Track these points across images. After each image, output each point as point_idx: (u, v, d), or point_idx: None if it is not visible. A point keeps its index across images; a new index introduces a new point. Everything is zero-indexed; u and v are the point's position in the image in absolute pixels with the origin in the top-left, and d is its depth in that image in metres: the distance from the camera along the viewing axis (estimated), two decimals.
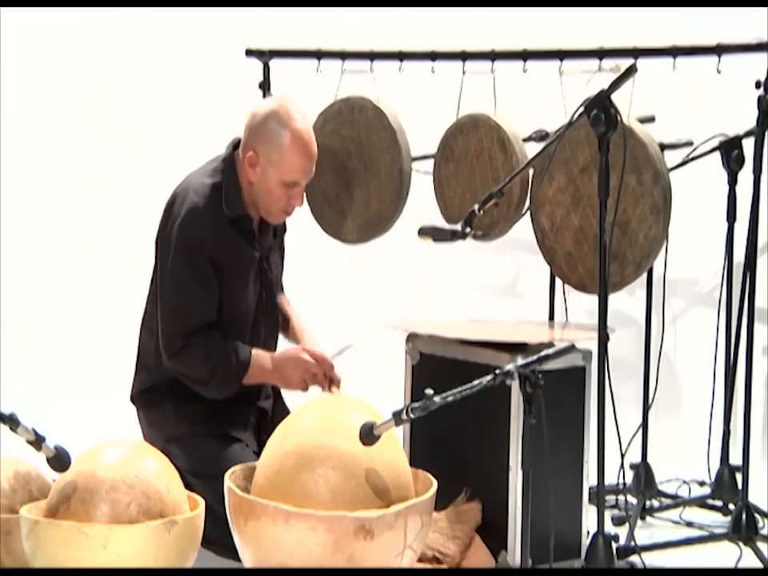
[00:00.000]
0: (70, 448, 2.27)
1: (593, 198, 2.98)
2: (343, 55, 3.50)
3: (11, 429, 2.11)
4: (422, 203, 3.48)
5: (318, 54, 3.53)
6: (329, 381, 2.75)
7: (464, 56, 3.34)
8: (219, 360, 2.68)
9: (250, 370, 2.71)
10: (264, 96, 3.58)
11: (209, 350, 2.68)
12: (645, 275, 3.21)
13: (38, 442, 2.16)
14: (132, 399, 2.87)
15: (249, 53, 3.61)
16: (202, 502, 2.36)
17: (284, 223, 2.97)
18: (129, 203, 4.48)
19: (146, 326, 2.83)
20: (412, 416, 2.20)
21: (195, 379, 2.70)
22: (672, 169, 3.13)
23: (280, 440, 2.37)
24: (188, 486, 2.62)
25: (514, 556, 2.71)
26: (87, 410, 3.92)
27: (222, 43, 4.25)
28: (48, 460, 2.20)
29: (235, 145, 2.78)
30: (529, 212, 3.18)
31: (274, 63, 3.60)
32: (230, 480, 2.38)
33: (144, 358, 2.84)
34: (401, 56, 3.44)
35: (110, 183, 4.56)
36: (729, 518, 3.11)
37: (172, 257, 2.69)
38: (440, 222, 2.90)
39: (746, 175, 3.02)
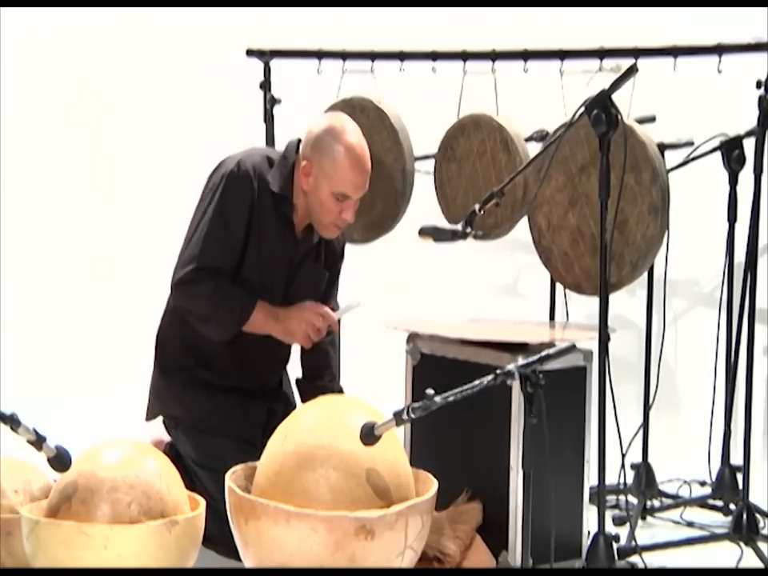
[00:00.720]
0: (70, 448, 2.26)
1: (591, 197, 2.98)
2: (344, 55, 3.50)
3: (12, 429, 2.11)
4: (422, 203, 3.48)
5: (319, 54, 3.54)
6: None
7: (465, 56, 3.34)
8: (223, 298, 2.69)
9: (254, 317, 2.72)
10: (265, 96, 3.59)
11: (215, 288, 2.69)
12: (645, 275, 3.21)
13: (38, 442, 2.15)
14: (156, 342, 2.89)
15: (249, 53, 3.61)
16: (202, 502, 2.36)
17: (340, 251, 2.94)
18: (129, 203, 4.48)
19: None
20: (413, 416, 2.20)
21: (197, 315, 2.72)
22: (672, 169, 3.13)
23: (281, 440, 2.37)
24: (192, 477, 2.63)
25: (514, 556, 2.71)
26: (89, 410, 3.92)
27: (223, 43, 4.25)
28: (49, 460, 2.20)
29: (299, 141, 2.81)
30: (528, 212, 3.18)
31: (274, 63, 3.60)
32: (231, 480, 2.38)
33: (167, 311, 2.87)
34: (402, 56, 3.44)
35: (110, 184, 4.56)
36: (730, 518, 3.11)
37: (209, 201, 2.73)
38: (441, 222, 2.90)
39: (746, 175, 3.01)
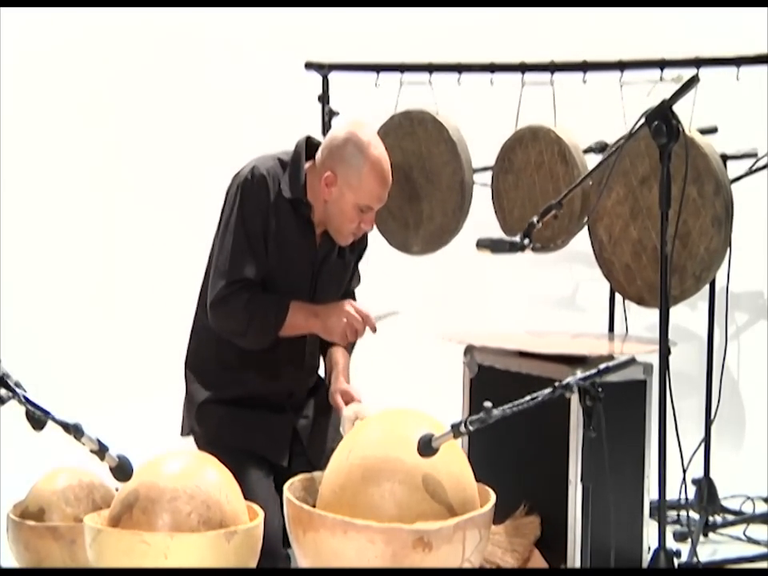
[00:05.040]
0: (132, 458, 2.29)
1: (652, 209, 2.95)
2: (402, 68, 3.51)
3: (75, 438, 2.14)
4: (479, 215, 3.47)
5: (377, 67, 3.55)
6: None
7: (523, 68, 3.33)
8: (257, 307, 2.69)
9: (291, 318, 2.71)
10: (323, 109, 3.61)
11: (248, 299, 2.69)
12: (707, 288, 3.17)
13: (101, 451, 2.18)
14: (185, 367, 2.90)
15: (308, 66, 3.64)
16: (261, 513, 2.38)
17: (365, 242, 2.94)
18: (188, 218, 4.54)
19: (201, 299, 2.86)
20: (470, 429, 2.19)
21: (234, 330, 2.71)
22: (735, 180, 3.09)
23: (345, 453, 2.37)
24: None
25: None
26: (119, 422, 3.93)
27: (282, 56, 4.30)
28: (111, 470, 2.23)
29: (307, 139, 2.81)
30: (587, 224, 3.16)
31: (333, 76, 3.63)
32: (289, 491, 2.39)
33: (195, 330, 2.88)
34: (459, 68, 3.45)
35: (169, 192, 4.62)
36: None
37: (229, 213, 2.74)
38: (498, 234, 2.89)
39: None
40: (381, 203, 2.76)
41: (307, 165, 2.77)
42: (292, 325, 2.73)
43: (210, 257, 2.83)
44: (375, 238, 3.56)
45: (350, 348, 2.97)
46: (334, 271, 2.87)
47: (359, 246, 2.94)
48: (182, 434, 2.90)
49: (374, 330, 2.74)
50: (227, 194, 2.79)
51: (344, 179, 2.70)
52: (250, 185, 2.72)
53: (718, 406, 3.22)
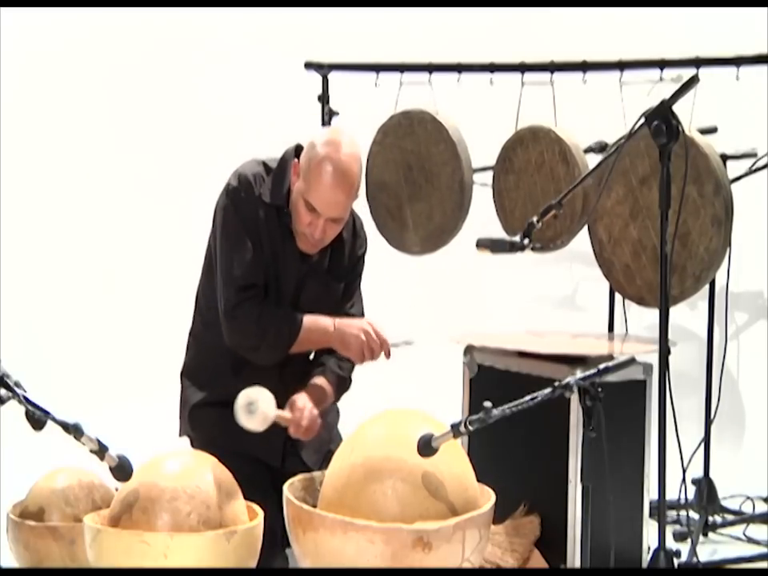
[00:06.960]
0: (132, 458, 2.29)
1: (652, 209, 2.95)
2: (401, 68, 3.51)
3: (75, 438, 2.14)
4: (481, 215, 3.47)
5: (377, 67, 3.55)
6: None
7: (523, 67, 3.33)
8: (270, 324, 2.67)
9: (305, 334, 2.68)
10: (323, 109, 3.61)
11: (260, 315, 2.67)
12: (707, 287, 3.17)
13: (101, 451, 2.18)
14: (181, 375, 2.90)
15: (308, 66, 3.64)
16: (260, 513, 2.38)
17: (355, 259, 2.88)
18: (188, 220, 4.54)
19: (197, 307, 2.86)
20: (470, 428, 2.19)
21: (247, 345, 2.70)
22: (735, 179, 3.10)
23: (348, 452, 2.37)
24: None
25: None
26: (116, 423, 3.94)
27: (282, 56, 4.30)
28: (111, 469, 2.23)
29: (297, 147, 2.80)
30: (587, 224, 3.16)
31: (332, 76, 3.63)
32: (289, 491, 2.39)
33: (192, 336, 2.88)
34: (459, 68, 3.45)
35: (168, 194, 4.63)
36: None
37: (222, 221, 2.72)
38: (499, 234, 2.90)
39: None
40: (327, 208, 2.63)
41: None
42: (306, 340, 2.70)
43: (205, 264, 2.81)
44: (375, 238, 3.57)
45: (339, 388, 2.84)
46: (321, 286, 2.82)
47: (354, 270, 2.88)
48: (180, 435, 2.91)
49: (388, 355, 2.71)
50: (217, 204, 2.77)
51: (302, 170, 2.67)
52: (238, 191, 2.71)
53: (717, 406, 3.23)
